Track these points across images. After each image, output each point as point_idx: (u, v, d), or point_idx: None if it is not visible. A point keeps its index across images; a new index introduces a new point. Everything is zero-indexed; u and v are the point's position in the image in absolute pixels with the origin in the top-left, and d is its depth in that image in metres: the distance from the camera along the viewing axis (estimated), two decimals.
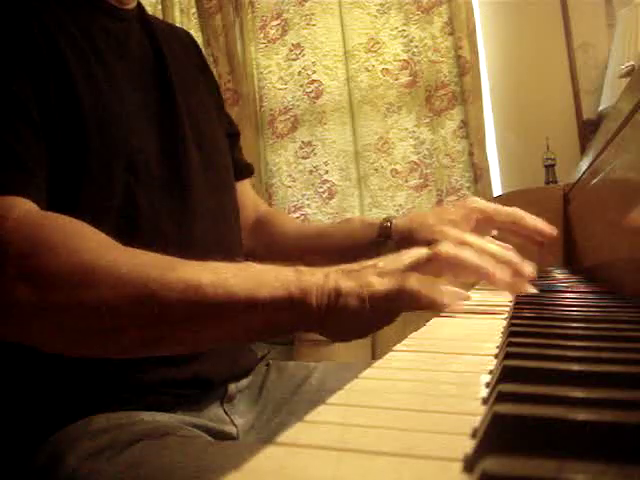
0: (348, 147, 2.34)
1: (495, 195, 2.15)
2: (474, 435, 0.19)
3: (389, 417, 0.22)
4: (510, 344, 0.31)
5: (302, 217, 2.36)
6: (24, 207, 0.52)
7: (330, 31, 2.37)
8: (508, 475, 0.15)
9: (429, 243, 0.54)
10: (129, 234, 0.51)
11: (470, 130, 2.19)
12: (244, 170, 0.93)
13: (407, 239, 0.74)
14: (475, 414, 0.21)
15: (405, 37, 2.30)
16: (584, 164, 1.00)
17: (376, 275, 0.49)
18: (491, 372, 0.28)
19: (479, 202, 0.77)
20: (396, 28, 2.31)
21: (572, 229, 1.25)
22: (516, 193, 1.77)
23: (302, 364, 0.85)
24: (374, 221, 0.80)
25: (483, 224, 0.76)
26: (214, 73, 0.97)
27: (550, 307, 0.51)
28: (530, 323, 0.41)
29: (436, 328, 0.43)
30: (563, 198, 1.40)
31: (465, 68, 2.19)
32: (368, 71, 2.33)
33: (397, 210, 2.27)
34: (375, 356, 1.94)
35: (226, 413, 0.70)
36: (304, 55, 2.39)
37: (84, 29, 0.67)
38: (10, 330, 0.52)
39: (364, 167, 2.31)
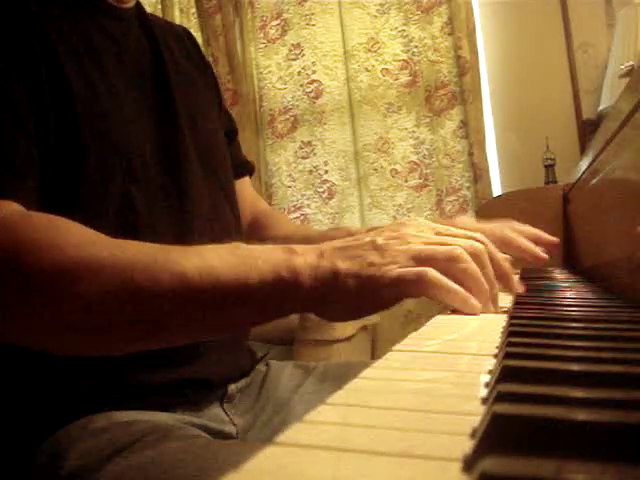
0: (348, 147, 2.34)
1: (495, 195, 2.15)
2: (473, 435, 0.19)
3: (389, 417, 0.22)
4: (510, 344, 0.31)
5: (302, 217, 2.36)
6: (9, 209, 0.52)
7: (330, 31, 2.37)
8: (507, 475, 0.15)
9: None
10: (126, 236, 0.51)
11: (470, 130, 2.19)
12: (242, 168, 0.93)
13: None
14: (474, 414, 0.21)
15: (405, 37, 2.30)
16: (584, 164, 1.01)
17: (378, 256, 0.46)
18: (491, 372, 0.28)
19: (467, 223, 0.71)
20: (396, 28, 2.31)
21: (572, 229, 1.25)
22: (516, 193, 1.76)
23: (302, 364, 0.85)
24: (361, 231, 0.79)
25: None
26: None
27: (550, 307, 0.51)
28: (530, 323, 0.41)
29: (436, 328, 0.43)
30: (563, 198, 1.41)
31: (465, 68, 2.19)
32: (368, 71, 2.33)
33: (397, 210, 2.27)
34: (375, 356, 1.94)
35: (226, 413, 0.70)
36: (304, 55, 2.39)
37: (82, 30, 0.66)
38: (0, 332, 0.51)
39: (364, 167, 2.31)
